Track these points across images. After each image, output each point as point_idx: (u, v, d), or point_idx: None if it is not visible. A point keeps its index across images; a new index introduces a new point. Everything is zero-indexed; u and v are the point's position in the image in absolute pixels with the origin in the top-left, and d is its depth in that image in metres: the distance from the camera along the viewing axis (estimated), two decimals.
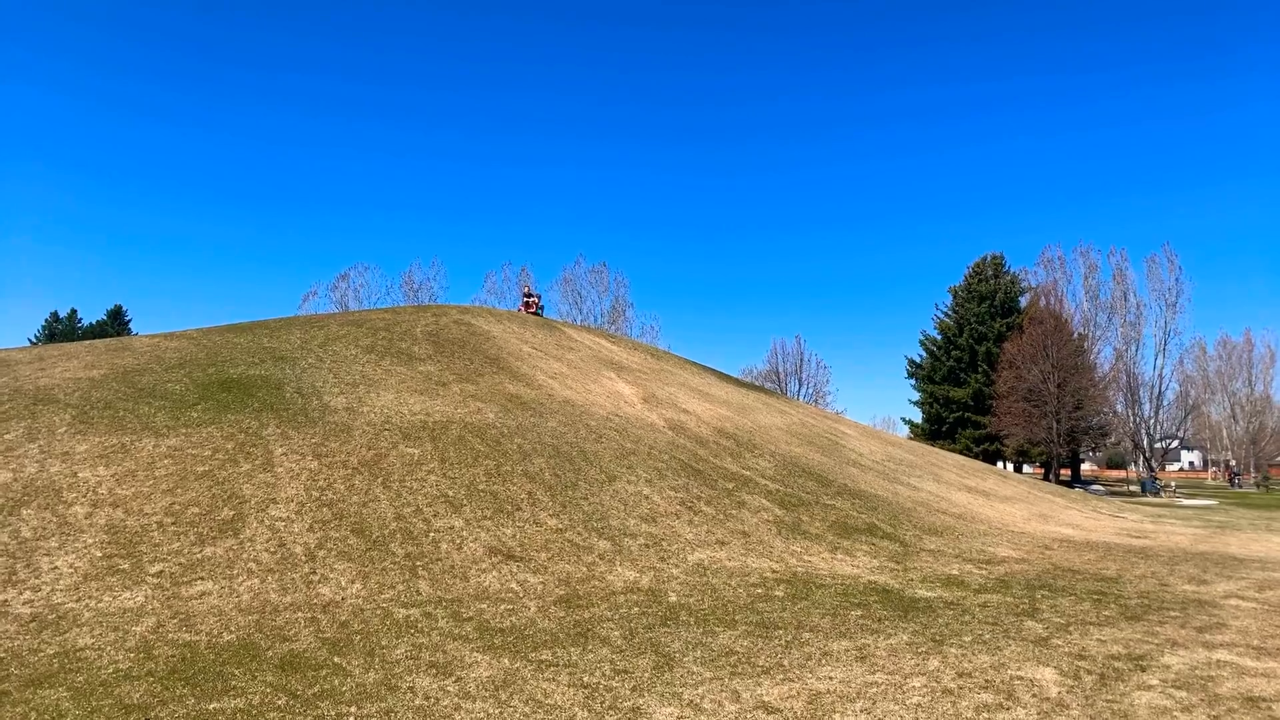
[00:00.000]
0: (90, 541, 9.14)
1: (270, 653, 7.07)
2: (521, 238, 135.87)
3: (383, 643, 7.52)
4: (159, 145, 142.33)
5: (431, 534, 10.58)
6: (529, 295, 32.42)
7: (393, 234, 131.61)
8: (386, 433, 13.57)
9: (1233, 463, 77.34)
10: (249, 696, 6.05)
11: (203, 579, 8.66)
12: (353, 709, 5.90)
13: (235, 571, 8.88)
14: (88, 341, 20.62)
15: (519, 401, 17.16)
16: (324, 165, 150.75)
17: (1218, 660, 7.86)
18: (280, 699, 6.03)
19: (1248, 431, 76.01)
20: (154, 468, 11.13)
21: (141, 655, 6.87)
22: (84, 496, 10.16)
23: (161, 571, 8.71)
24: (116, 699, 5.95)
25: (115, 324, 70.48)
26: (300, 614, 8.09)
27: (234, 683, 6.33)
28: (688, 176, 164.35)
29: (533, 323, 27.64)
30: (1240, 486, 51.97)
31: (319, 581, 8.92)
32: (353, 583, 9.01)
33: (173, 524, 9.77)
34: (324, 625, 7.86)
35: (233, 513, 10.20)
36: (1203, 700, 6.59)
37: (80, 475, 10.68)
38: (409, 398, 15.67)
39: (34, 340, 68.81)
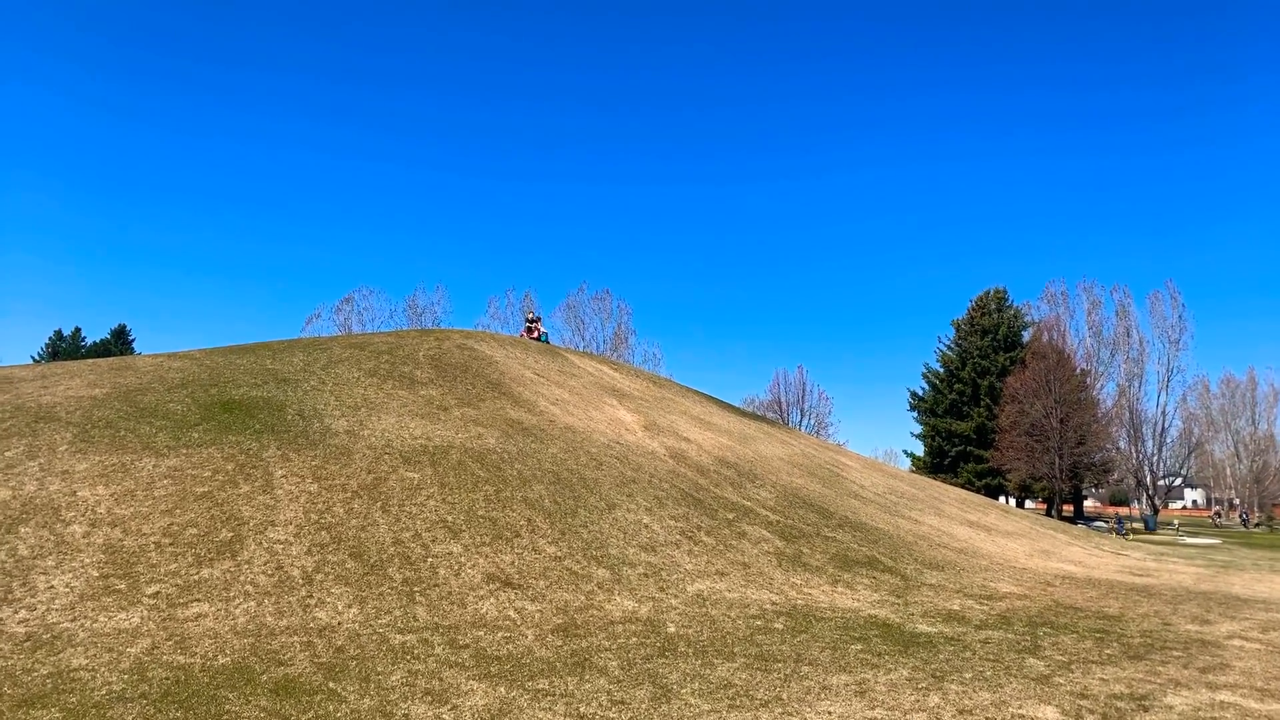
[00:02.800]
0: (87, 561, 9.11)
1: (265, 677, 7.01)
2: (524, 263, 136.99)
3: (378, 669, 7.45)
4: (165, 157, 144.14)
5: (430, 559, 10.53)
6: (532, 320, 32.33)
7: (397, 257, 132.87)
8: (387, 456, 13.55)
9: (1236, 501, 76.88)
10: None
11: (199, 601, 8.60)
12: None
13: (232, 594, 8.83)
14: (91, 360, 20.65)
15: (520, 427, 17.13)
16: (330, 180, 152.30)
17: (1221, 701, 7.77)
18: None
19: (1251, 470, 75.68)
20: (153, 488, 11.11)
21: (135, 677, 6.82)
22: (82, 515, 10.13)
23: (158, 592, 8.66)
24: None
25: (119, 343, 70.70)
26: (296, 638, 8.03)
27: (227, 707, 6.28)
28: (690, 187, 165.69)
29: (535, 348, 27.66)
30: (1249, 525, 51.39)
31: (316, 605, 8.86)
32: (349, 607, 8.95)
33: (170, 545, 9.73)
34: (320, 650, 7.80)
35: (231, 534, 10.16)
36: None
37: (79, 494, 10.66)
38: (410, 421, 15.66)
39: (37, 358, 68.97)
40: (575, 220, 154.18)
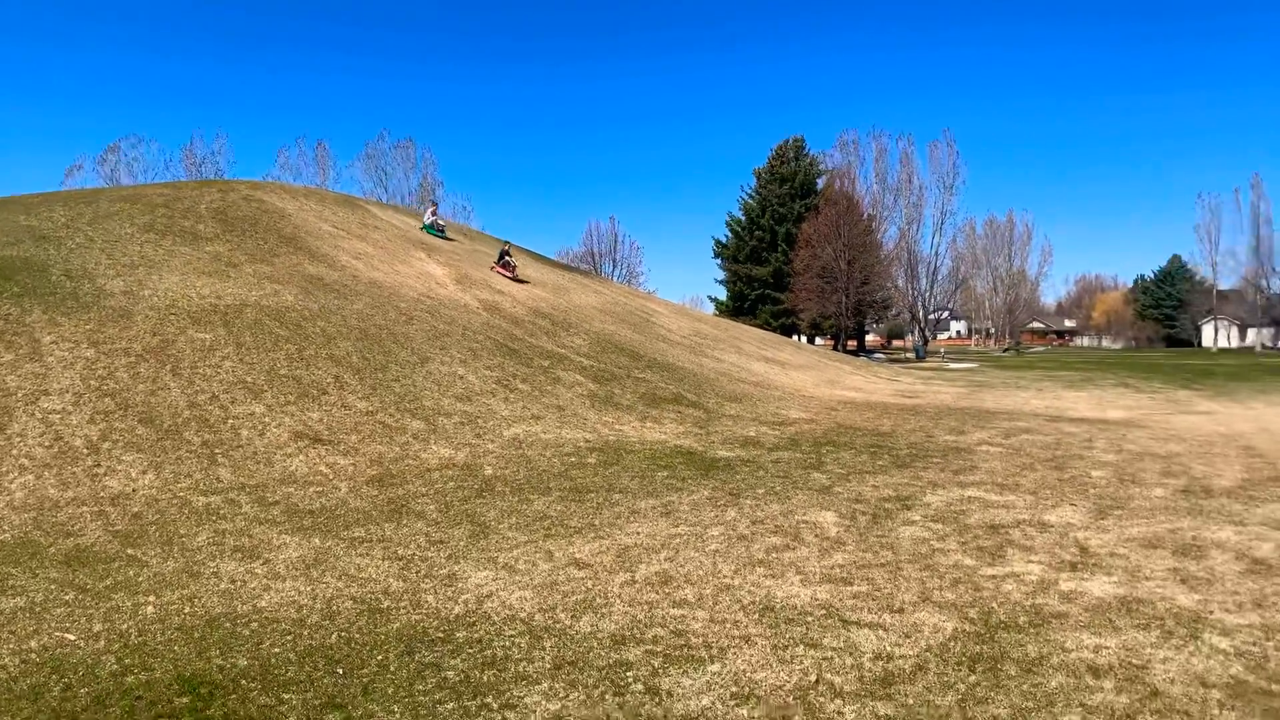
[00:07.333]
0: None
1: (53, 549, 6.64)
2: (317, 109, 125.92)
3: (181, 531, 7.23)
4: None
5: (230, 421, 10.10)
6: (504, 251, 25.15)
7: (171, 103, 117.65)
8: (173, 317, 12.59)
9: (993, 330, 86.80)
10: (31, 595, 5.69)
11: None
12: (151, 598, 5.70)
13: (5, 468, 8.13)
14: None
15: (321, 283, 16.34)
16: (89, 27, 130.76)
17: (969, 497, 9.09)
18: (68, 594, 5.72)
19: (1005, 302, 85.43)
20: None
21: None
22: None
23: None
24: None
25: None
26: (85, 508, 7.59)
27: (12, 582, 5.92)
28: (497, 41, 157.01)
29: (332, 200, 26.01)
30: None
31: (105, 474, 8.35)
32: (144, 474, 8.51)
33: None
34: (114, 518, 7.43)
35: None
36: (955, 530, 7.65)
37: None
38: (196, 280, 14.52)
39: None
40: (375, 69, 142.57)
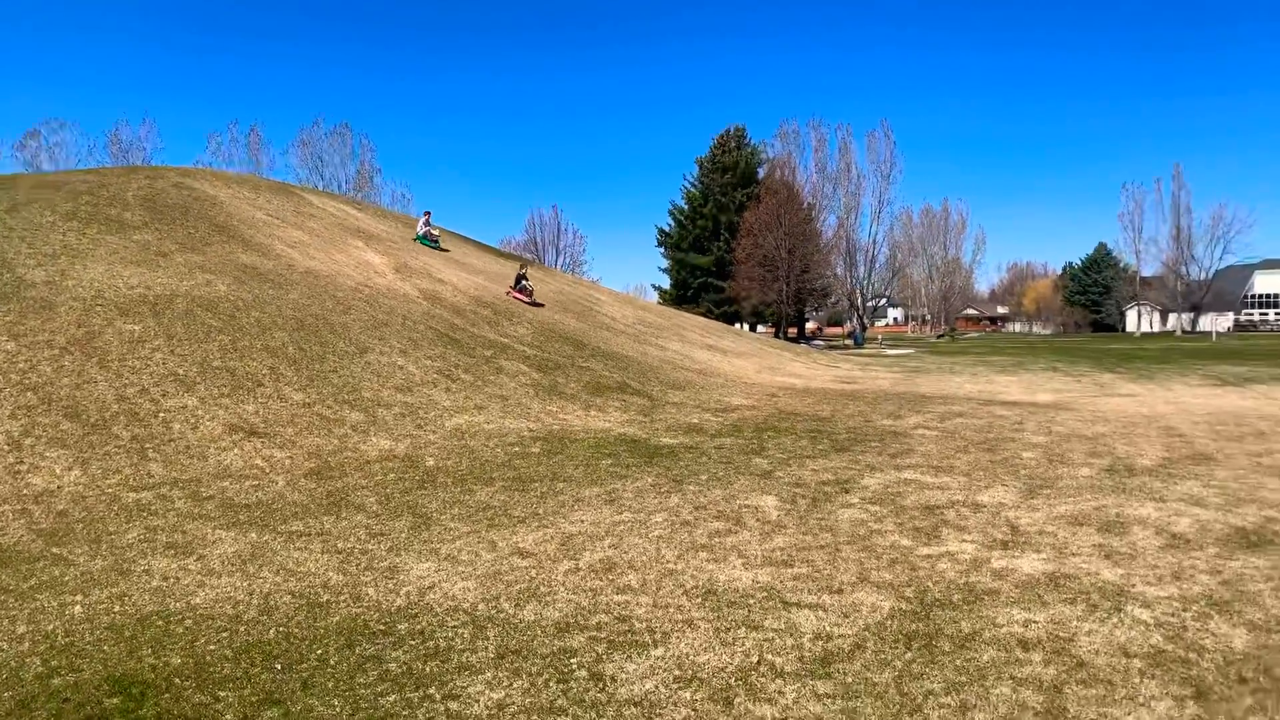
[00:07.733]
0: None
1: None
2: (250, 95, 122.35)
3: (110, 529, 7.01)
4: None
5: (161, 414, 9.80)
6: (521, 271, 23.57)
7: (96, 86, 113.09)
8: (99, 308, 12.14)
9: (929, 316, 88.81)
10: None
11: None
12: (78, 598, 5.52)
13: None
14: None
15: (255, 273, 15.92)
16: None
17: (905, 479, 9.29)
18: None
19: (940, 289, 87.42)
20: None
21: None
22: None
23: None
24: None
25: None
26: (7, 507, 7.30)
27: None
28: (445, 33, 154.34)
29: (266, 187, 25.35)
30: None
31: (28, 471, 8.04)
32: (69, 470, 8.21)
33: None
34: (37, 516, 7.17)
35: None
36: (892, 511, 7.82)
37: None
38: (123, 270, 14.02)
39: None
40: (311, 55, 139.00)
